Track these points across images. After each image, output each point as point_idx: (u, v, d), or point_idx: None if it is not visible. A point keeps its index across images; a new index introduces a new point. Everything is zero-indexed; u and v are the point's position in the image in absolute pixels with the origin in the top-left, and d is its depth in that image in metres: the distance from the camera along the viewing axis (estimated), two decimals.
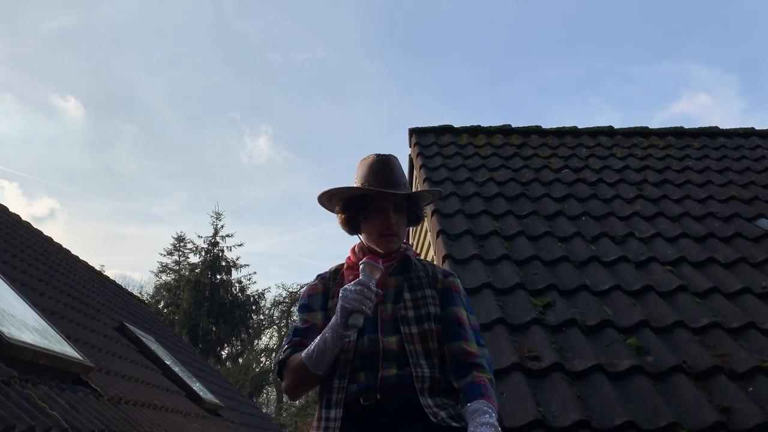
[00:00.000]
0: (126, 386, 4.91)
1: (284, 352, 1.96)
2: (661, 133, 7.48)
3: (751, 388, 3.18)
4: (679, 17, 62.72)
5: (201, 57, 56.48)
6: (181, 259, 32.53)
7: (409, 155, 7.07)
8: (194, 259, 31.96)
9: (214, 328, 30.26)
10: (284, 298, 32.68)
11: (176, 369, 7.42)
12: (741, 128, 7.57)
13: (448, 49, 59.95)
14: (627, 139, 7.29)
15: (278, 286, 45.11)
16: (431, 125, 7.28)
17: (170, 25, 55.26)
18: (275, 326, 32.98)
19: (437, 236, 4.75)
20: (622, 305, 3.92)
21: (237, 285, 31.93)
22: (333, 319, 1.81)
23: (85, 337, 5.16)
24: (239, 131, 55.23)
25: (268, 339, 33.21)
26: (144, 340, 7.31)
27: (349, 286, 1.80)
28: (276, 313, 33.30)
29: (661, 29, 62.44)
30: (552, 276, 4.24)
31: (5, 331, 3.29)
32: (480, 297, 3.92)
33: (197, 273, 30.86)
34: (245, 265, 32.47)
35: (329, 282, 2.08)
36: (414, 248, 6.90)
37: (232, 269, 31.89)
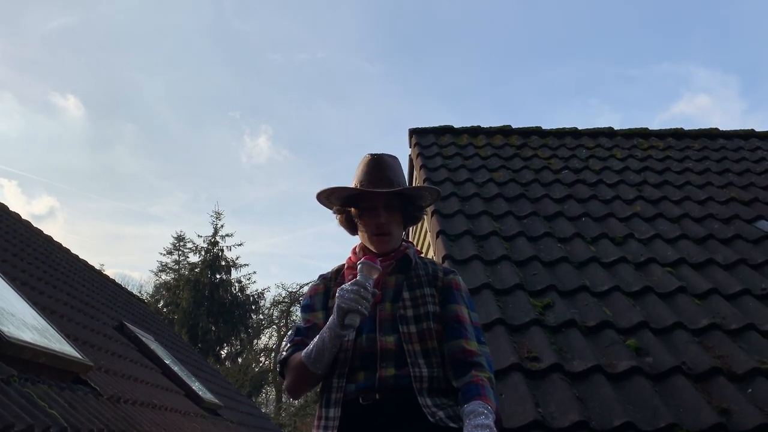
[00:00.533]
0: (125, 385, 4.91)
1: (286, 351, 1.97)
2: (661, 134, 7.48)
3: (750, 390, 3.18)
4: (679, 18, 62.77)
5: (201, 57, 56.52)
6: (181, 258, 32.55)
7: (409, 156, 7.07)
8: (194, 258, 31.98)
9: (213, 328, 30.26)
10: (284, 297, 32.68)
11: (175, 368, 7.42)
12: (741, 130, 7.58)
13: (449, 50, 59.97)
14: (627, 140, 7.30)
15: (278, 286, 45.20)
16: (431, 126, 7.28)
17: (170, 25, 55.28)
18: (275, 326, 32.99)
19: (437, 236, 4.75)
20: (622, 306, 3.92)
21: (236, 285, 31.94)
22: (330, 318, 1.82)
23: (85, 336, 5.16)
24: (239, 131, 55.24)
25: (267, 339, 33.22)
26: (143, 339, 7.31)
27: (345, 286, 1.81)
28: (275, 313, 33.30)
29: (661, 31, 62.49)
30: (552, 277, 4.24)
31: (5, 329, 3.29)
32: (479, 297, 3.92)
33: (197, 272, 30.85)
34: (245, 264, 32.47)
35: (330, 282, 2.09)
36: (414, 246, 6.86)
37: (232, 269, 31.90)
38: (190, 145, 55.82)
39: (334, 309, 1.79)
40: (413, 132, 7.18)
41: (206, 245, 31.74)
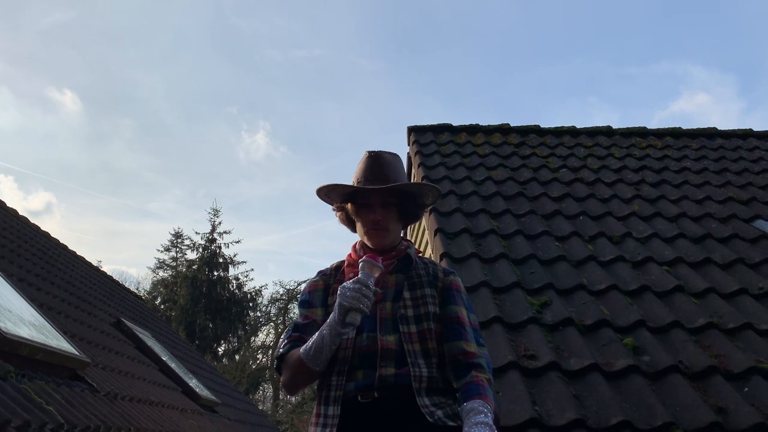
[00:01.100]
0: (122, 382, 4.91)
1: (283, 347, 1.97)
2: (660, 133, 7.49)
3: (746, 389, 3.19)
4: (677, 17, 62.82)
5: (198, 53, 56.46)
6: (179, 255, 32.52)
7: (408, 153, 7.07)
8: (191, 255, 31.95)
9: (210, 325, 30.25)
10: (281, 295, 32.69)
11: (173, 365, 7.42)
12: (739, 129, 7.58)
13: (447, 48, 59.97)
14: (625, 139, 7.30)
15: (275, 283, 45.28)
16: (430, 123, 7.27)
17: (168, 20, 55.22)
18: (272, 323, 32.99)
19: (435, 234, 4.75)
20: (619, 305, 3.93)
21: (234, 282, 31.93)
22: (331, 316, 1.81)
23: (82, 333, 5.15)
24: (236, 127, 55.22)
25: (264, 336, 33.22)
26: (141, 336, 7.31)
27: (347, 284, 1.80)
28: (273, 310, 33.30)
29: (659, 29, 62.57)
30: (549, 275, 4.25)
31: (2, 326, 3.29)
32: (477, 296, 3.92)
33: (194, 269, 30.84)
34: (242, 261, 32.46)
35: (330, 279, 2.08)
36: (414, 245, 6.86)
37: (230, 266, 31.89)
38: (187, 141, 55.83)
39: (335, 306, 1.79)
40: (412, 130, 7.17)
41: (204, 242, 31.74)
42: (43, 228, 9.17)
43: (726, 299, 4.07)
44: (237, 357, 31.12)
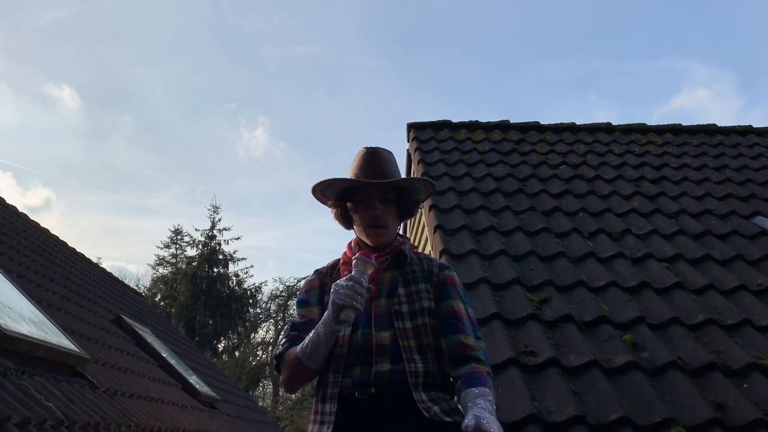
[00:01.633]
0: (122, 378, 4.92)
1: (282, 346, 1.98)
2: (659, 130, 7.48)
3: (745, 385, 3.19)
4: (676, 14, 62.76)
5: (197, 50, 56.42)
6: (178, 252, 32.56)
7: (407, 150, 7.06)
8: (191, 252, 32.00)
9: (210, 321, 30.29)
10: (281, 291, 32.72)
11: (173, 362, 7.43)
12: (739, 126, 7.58)
13: (447, 45, 59.93)
14: (625, 135, 7.29)
15: (275, 280, 45.30)
16: (429, 120, 7.27)
17: (167, 17, 55.12)
18: (272, 320, 33.03)
19: (434, 231, 4.75)
20: (619, 301, 3.93)
21: (234, 278, 31.97)
22: (325, 314, 1.82)
23: (82, 329, 5.16)
24: (235, 123, 55.23)
25: (264, 332, 33.27)
26: (140, 332, 7.31)
27: (340, 281, 1.81)
28: (273, 307, 33.34)
29: (658, 26, 62.54)
30: (549, 272, 4.25)
31: (2, 322, 3.29)
32: (477, 292, 3.92)
33: (194, 266, 30.87)
34: (242, 258, 32.51)
35: (326, 277, 2.09)
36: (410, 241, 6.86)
37: (229, 263, 31.91)
38: (186, 138, 55.82)
39: (329, 304, 1.79)
40: (411, 126, 7.17)
41: (204, 239, 31.76)
42: (43, 224, 9.17)
43: (725, 296, 4.07)
44: (237, 353, 31.16)
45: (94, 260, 11.13)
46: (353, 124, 58.04)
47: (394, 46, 60.76)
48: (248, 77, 56.87)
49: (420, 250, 6.22)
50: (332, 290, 1.80)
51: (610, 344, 3.48)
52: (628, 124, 7.55)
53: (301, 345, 1.87)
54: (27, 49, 50.70)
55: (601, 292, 4.07)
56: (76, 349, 4.12)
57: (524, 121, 7.47)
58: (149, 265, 35.18)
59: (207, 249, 31.55)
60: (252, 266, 42.96)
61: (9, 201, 8.39)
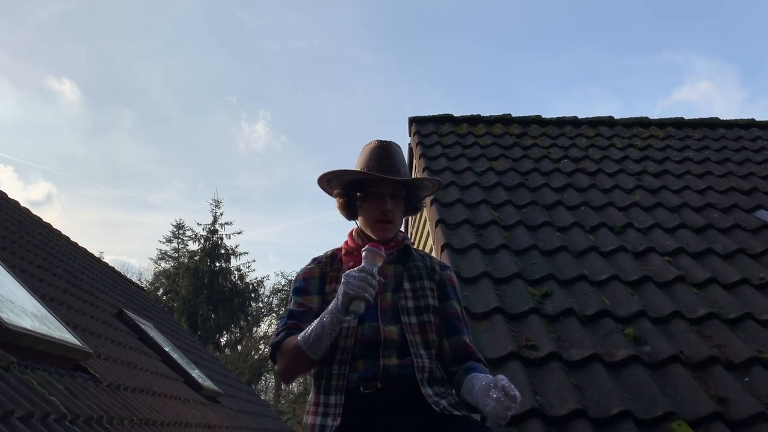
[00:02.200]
0: (125, 372, 4.93)
1: (279, 334, 1.93)
2: (661, 123, 7.46)
3: (747, 379, 3.19)
4: (678, 7, 62.51)
5: (197, 44, 56.43)
6: (180, 246, 32.59)
7: (409, 144, 7.05)
8: (193, 246, 32.03)
9: (213, 316, 30.35)
10: (283, 286, 32.79)
11: (175, 356, 7.44)
12: (741, 119, 7.56)
13: (448, 39, 59.81)
14: (627, 129, 7.28)
15: (277, 274, 45.34)
16: (431, 114, 7.25)
17: (167, 11, 55.03)
18: (274, 314, 33.11)
19: (436, 225, 4.75)
20: (620, 295, 3.93)
21: (236, 273, 32.00)
22: (332, 304, 1.78)
23: (84, 324, 5.17)
24: (236, 116, 55.22)
25: (266, 327, 33.36)
26: (143, 326, 7.33)
27: (352, 272, 1.77)
28: (275, 301, 33.43)
29: (660, 19, 62.33)
30: (550, 266, 4.24)
31: (4, 317, 3.29)
32: (478, 286, 3.92)
33: (196, 260, 30.91)
34: (244, 253, 32.52)
35: (326, 267, 2.05)
36: (413, 237, 6.88)
37: (231, 257, 31.95)
38: (187, 132, 55.88)
39: (339, 295, 1.76)
40: (413, 120, 7.15)
41: (205, 233, 31.78)
42: (44, 218, 9.18)
43: (727, 289, 4.07)
44: (239, 347, 31.25)
45: (97, 255, 11.14)
46: (354, 118, 58.05)
47: (394, 39, 60.68)
48: (249, 71, 56.88)
49: (421, 244, 6.22)
50: (343, 280, 1.76)
51: (612, 338, 3.48)
52: (630, 118, 7.54)
53: (302, 334, 1.82)
54: (27, 44, 50.75)
55: (603, 286, 4.07)
56: (79, 344, 4.13)
57: (526, 114, 7.45)
58: (151, 259, 35.34)
59: (209, 243, 31.58)
60: (254, 261, 43.01)
61: (10, 195, 8.39)
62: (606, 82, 63.40)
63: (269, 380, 32.20)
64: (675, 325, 3.65)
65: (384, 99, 59.51)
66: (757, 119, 7.55)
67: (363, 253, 1.84)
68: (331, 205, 2.20)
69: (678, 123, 7.47)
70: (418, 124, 7.07)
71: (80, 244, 10.09)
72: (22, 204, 8.60)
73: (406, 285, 1.99)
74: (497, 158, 6.22)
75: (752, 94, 62.13)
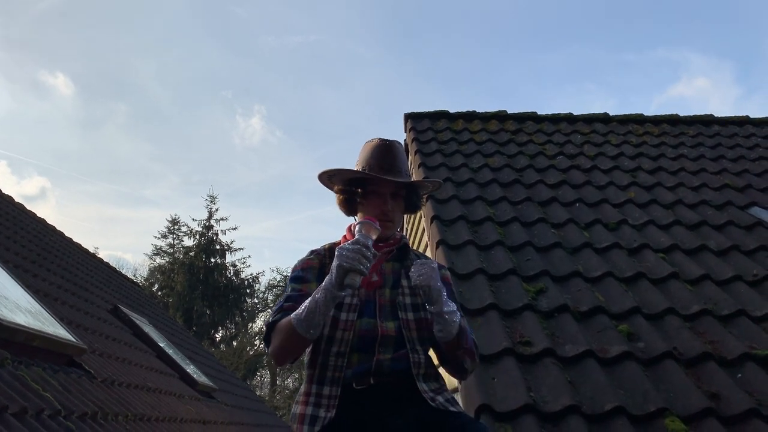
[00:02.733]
0: (119, 368, 4.93)
1: (275, 315, 1.90)
2: (657, 120, 7.48)
3: (740, 375, 3.21)
4: (673, 3, 62.62)
5: (192, 37, 56.20)
6: (176, 242, 32.50)
7: (405, 140, 7.05)
8: (188, 242, 31.96)
9: (208, 311, 30.31)
10: (278, 281, 32.76)
11: (170, 351, 7.44)
12: (736, 116, 7.58)
13: (444, 35, 59.78)
14: (622, 126, 7.29)
15: (272, 270, 45.27)
16: (427, 110, 7.25)
17: (162, 4, 54.80)
18: (269, 309, 33.04)
19: (431, 221, 4.75)
20: (614, 292, 3.94)
21: (231, 268, 31.96)
22: (326, 279, 1.75)
23: (79, 320, 5.16)
24: (231, 111, 55.05)
25: (262, 322, 33.28)
26: (138, 322, 7.32)
27: (345, 245, 1.75)
28: (270, 297, 33.38)
29: (655, 16, 62.44)
30: (545, 262, 4.25)
31: None
32: (473, 282, 3.93)
33: (191, 256, 30.85)
34: (240, 248, 32.49)
35: (325, 258, 2.04)
36: (408, 234, 6.88)
37: (227, 253, 31.89)
38: (182, 127, 55.71)
39: (333, 269, 1.72)
40: (408, 116, 7.15)
41: (201, 229, 31.72)
42: (38, 213, 9.16)
43: (720, 286, 4.08)
44: (234, 343, 31.22)
45: (91, 250, 11.12)
46: (350, 114, 58.00)
47: (391, 35, 60.61)
48: (244, 66, 56.76)
49: (416, 241, 6.23)
50: (336, 254, 1.73)
51: (606, 334, 3.50)
52: (625, 115, 7.55)
53: (295, 312, 1.79)
54: (20, 37, 50.43)
55: (597, 282, 4.08)
56: (73, 339, 4.13)
57: (521, 111, 7.46)
58: (146, 255, 35.14)
59: (204, 239, 31.53)
60: (249, 256, 42.96)
61: (4, 190, 8.36)
62: (602, 78, 63.55)
63: (264, 376, 32.22)
64: (668, 321, 3.67)
65: (380, 95, 59.51)
66: (752, 116, 7.57)
67: (356, 227, 1.82)
68: (327, 200, 2.19)
69: (673, 120, 7.48)
70: (413, 120, 7.07)
71: (75, 240, 10.06)
72: (16, 199, 8.57)
73: (404, 282, 2.00)
74: (493, 155, 6.23)
75: (747, 91, 62.39)
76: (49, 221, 9.38)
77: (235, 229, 32.39)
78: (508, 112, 7.40)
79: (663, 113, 7.65)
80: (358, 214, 2.07)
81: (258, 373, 31.52)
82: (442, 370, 2.03)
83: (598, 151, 6.48)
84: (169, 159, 56.26)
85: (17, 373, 3.07)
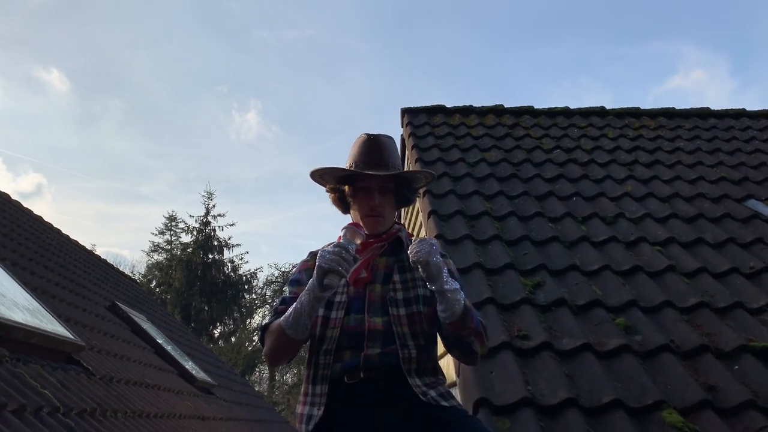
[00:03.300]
0: (118, 365, 4.93)
1: (268, 318, 1.97)
2: (653, 113, 7.48)
3: (736, 367, 3.22)
4: None
5: (187, 33, 56.07)
6: (173, 238, 32.49)
7: (401, 135, 7.05)
8: (186, 238, 31.94)
9: (206, 308, 30.32)
10: (276, 277, 32.78)
11: (168, 348, 7.44)
12: (732, 109, 7.59)
13: (440, 30, 59.72)
14: (619, 119, 7.30)
15: (270, 266, 45.28)
16: (423, 105, 7.25)
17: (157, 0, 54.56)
18: (267, 305, 33.06)
19: (428, 216, 4.76)
20: (612, 285, 3.95)
21: (229, 264, 31.95)
22: (310, 281, 1.80)
23: (77, 317, 5.16)
24: (227, 106, 54.95)
25: (260, 318, 33.27)
26: (136, 319, 7.32)
27: (327, 247, 1.80)
28: (268, 293, 33.40)
29: (650, 9, 62.39)
30: (542, 256, 4.26)
31: None
32: (470, 277, 3.94)
33: (189, 252, 30.84)
34: (237, 244, 32.47)
35: None
36: (405, 227, 6.88)
37: (224, 249, 31.89)
38: (178, 122, 55.62)
39: (315, 270, 1.77)
40: (405, 111, 7.15)
41: (198, 225, 31.70)
42: (35, 210, 9.13)
43: (717, 278, 4.09)
44: (233, 339, 31.24)
45: (89, 247, 11.10)
46: (347, 109, 57.96)
47: (386, 30, 60.53)
48: (240, 60, 56.66)
49: (413, 236, 6.23)
50: (318, 255, 1.78)
51: (603, 328, 3.51)
52: (621, 108, 7.56)
53: (284, 314, 1.85)
54: (14, 33, 50.24)
55: (594, 276, 4.09)
56: (71, 336, 4.13)
57: (518, 105, 7.46)
58: (144, 251, 35.16)
59: (202, 235, 31.51)
60: (247, 252, 42.98)
61: (0, 188, 8.34)
62: (597, 72, 63.59)
63: (263, 371, 32.24)
64: (665, 314, 3.68)
65: (377, 89, 59.45)
66: (748, 109, 7.58)
67: (341, 232, 1.88)
68: (324, 196, 2.21)
69: (669, 113, 7.49)
70: (410, 115, 7.06)
71: (72, 237, 10.05)
72: (12, 196, 8.55)
73: (396, 277, 2.00)
74: (489, 149, 6.23)
75: (743, 83, 62.43)
76: (46, 218, 9.36)
77: (232, 225, 32.40)
78: (505, 106, 7.40)
79: (660, 106, 7.66)
80: (352, 212, 2.08)
81: (257, 369, 31.53)
82: (449, 360, 2.03)
83: (594, 144, 6.48)
84: (166, 155, 56.25)
85: (15, 371, 3.06)
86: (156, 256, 32.18)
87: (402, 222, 7.15)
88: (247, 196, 55.72)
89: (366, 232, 1.95)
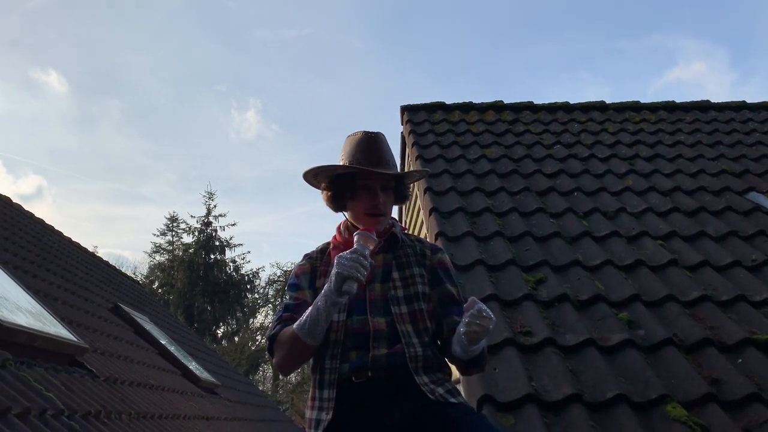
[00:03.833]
0: (121, 366, 4.93)
1: (275, 327, 1.94)
2: (653, 107, 7.47)
3: (740, 360, 3.22)
4: None
5: (186, 32, 55.95)
6: (175, 239, 32.51)
7: (401, 133, 7.04)
8: (188, 239, 31.97)
9: (209, 308, 30.36)
10: (278, 276, 32.79)
11: (172, 348, 7.45)
12: (732, 102, 7.57)
13: (439, 26, 59.67)
14: (619, 114, 7.28)
15: (272, 265, 45.35)
16: (423, 102, 7.24)
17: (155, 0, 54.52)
18: (270, 305, 33.12)
19: (430, 214, 4.75)
20: (614, 280, 3.95)
21: (231, 264, 31.98)
22: (326, 286, 1.79)
23: (80, 319, 5.16)
24: (226, 105, 54.91)
25: (263, 318, 33.38)
26: (139, 320, 7.32)
27: (344, 253, 1.78)
28: (271, 292, 33.44)
29: (648, 1, 62.28)
30: (544, 252, 4.26)
31: None
32: (472, 273, 3.93)
33: (191, 253, 30.87)
34: (239, 244, 32.48)
35: (316, 262, 2.07)
36: (407, 226, 6.88)
37: (226, 249, 31.92)
38: (177, 122, 55.57)
39: (332, 276, 1.76)
40: (405, 109, 7.14)
41: (199, 225, 31.72)
42: (35, 212, 9.14)
43: (720, 272, 4.09)
44: (236, 339, 31.27)
45: (90, 249, 11.11)
46: (346, 107, 57.93)
47: (385, 27, 60.48)
48: (238, 59, 56.58)
49: (415, 233, 6.23)
50: (335, 262, 1.77)
51: (606, 323, 3.50)
52: (621, 102, 7.54)
53: (298, 322, 1.83)
54: (12, 35, 50.21)
55: (597, 271, 4.09)
56: (75, 339, 4.13)
57: (518, 101, 7.45)
58: (146, 252, 35.17)
59: (203, 235, 31.53)
60: (249, 252, 42.99)
61: (1, 190, 8.35)
62: (596, 66, 63.48)
63: (267, 371, 32.26)
64: (668, 308, 3.67)
65: (376, 87, 59.40)
66: (748, 101, 7.57)
67: (355, 237, 1.86)
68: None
69: (670, 106, 7.48)
70: (410, 112, 7.06)
71: (73, 239, 10.05)
72: (13, 199, 8.56)
73: (395, 274, 1.98)
74: (490, 145, 6.22)
75: (743, 75, 62.35)
76: (47, 220, 9.36)
77: (233, 225, 32.41)
78: (505, 102, 7.39)
79: (660, 99, 7.66)
80: (348, 210, 2.06)
81: (260, 369, 31.57)
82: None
83: (595, 139, 6.47)
84: (166, 155, 56.24)
85: (19, 374, 3.07)
86: (158, 257, 32.23)
87: (400, 220, 7.15)
88: (247, 195, 55.73)
89: (374, 233, 1.93)
